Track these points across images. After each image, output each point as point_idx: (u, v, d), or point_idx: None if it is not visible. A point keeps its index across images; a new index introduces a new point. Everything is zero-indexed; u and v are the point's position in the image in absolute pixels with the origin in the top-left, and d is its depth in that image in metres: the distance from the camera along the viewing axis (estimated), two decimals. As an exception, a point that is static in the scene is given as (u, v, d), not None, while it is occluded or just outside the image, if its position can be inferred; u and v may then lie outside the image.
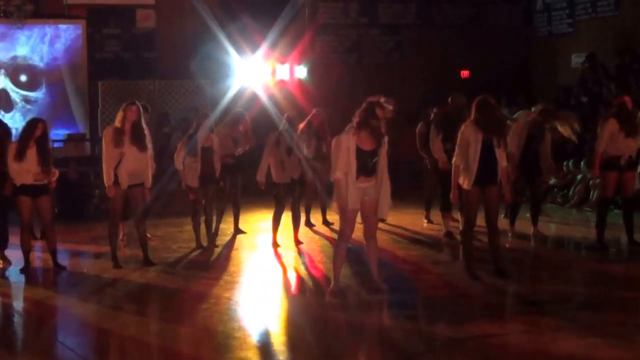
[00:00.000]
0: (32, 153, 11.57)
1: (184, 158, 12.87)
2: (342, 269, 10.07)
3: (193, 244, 13.31)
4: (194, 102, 20.37)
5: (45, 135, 11.78)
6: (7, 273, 11.89)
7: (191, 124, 13.60)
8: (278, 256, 12.72)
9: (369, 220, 9.92)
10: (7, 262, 12.28)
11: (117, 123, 11.72)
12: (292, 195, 13.41)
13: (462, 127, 10.47)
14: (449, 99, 13.73)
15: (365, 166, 9.60)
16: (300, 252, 12.89)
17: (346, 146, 9.54)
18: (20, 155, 11.55)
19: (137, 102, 11.92)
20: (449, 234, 13.62)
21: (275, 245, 13.31)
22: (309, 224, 15.11)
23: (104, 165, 11.71)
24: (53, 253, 11.93)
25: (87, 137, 20.67)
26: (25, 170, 11.59)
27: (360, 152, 9.54)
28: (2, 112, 19.88)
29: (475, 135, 10.27)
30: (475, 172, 10.26)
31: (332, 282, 9.98)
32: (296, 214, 13.55)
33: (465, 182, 10.35)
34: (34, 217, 11.98)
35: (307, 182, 13.76)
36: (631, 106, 12.29)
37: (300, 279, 11.24)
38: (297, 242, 13.44)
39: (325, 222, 15.35)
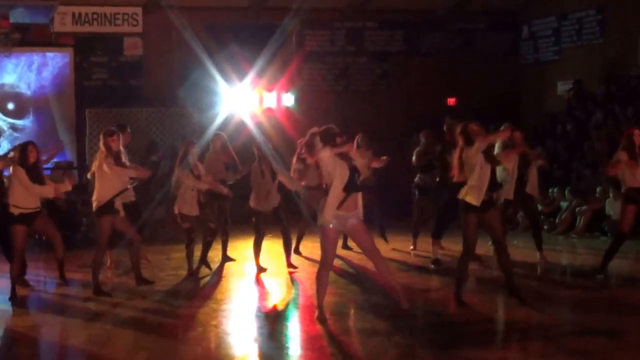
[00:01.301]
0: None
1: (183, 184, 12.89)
2: (325, 296, 10.03)
3: (181, 272, 13.27)
4: (181, 130, 20.36)
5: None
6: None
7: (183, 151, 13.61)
8: (266, 283, 12.69)
9: (360, 240, 10.00)
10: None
11: (105, 152, 11.76)
12: (279, 221, 13.41)
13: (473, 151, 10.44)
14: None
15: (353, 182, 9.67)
16: (291, 279, 12.87)
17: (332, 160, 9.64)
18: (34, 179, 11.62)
19: (115, 130, 11.95)
20: (436, 261, 13.61)
21: (260, 270, 13.29)
22: (297, 251, 15.13)
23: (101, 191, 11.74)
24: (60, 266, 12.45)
25: (74, 165, 20.62)
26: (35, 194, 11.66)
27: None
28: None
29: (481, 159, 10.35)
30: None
31: (317, 310, 9.98)
32: (287, 239, 13.56)
33: (473, 199, 10.40)
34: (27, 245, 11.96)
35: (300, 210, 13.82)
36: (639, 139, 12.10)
37: (288, 306, 11.23)
38: (291, 266, 13.43)
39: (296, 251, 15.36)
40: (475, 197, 10.30)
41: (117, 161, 11.70)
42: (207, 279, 13.04)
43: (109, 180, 11.69)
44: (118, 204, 11.82)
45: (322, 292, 9.96)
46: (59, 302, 11.75)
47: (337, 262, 13.09)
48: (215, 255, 14.38)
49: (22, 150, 11.80)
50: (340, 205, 9.65)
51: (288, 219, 13.68)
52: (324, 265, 9.94)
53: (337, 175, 9.59)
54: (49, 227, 12.26)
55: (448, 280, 11.73)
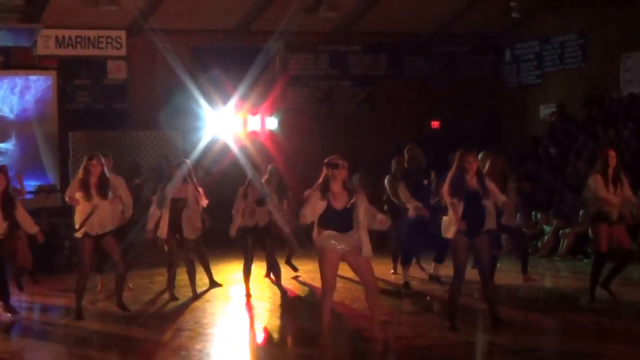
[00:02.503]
0: None
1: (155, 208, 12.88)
2: (330, 323, 9.82)
3: (165, 296, 13.22)
4: (165, 153, 20.35)
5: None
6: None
7: (167, 174, 13.57)
8: (252, 307, 12.65)
9: (360, 271, 9.79)
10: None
11: (81, 175, 11.70)
12: (262, 246, 13.40)
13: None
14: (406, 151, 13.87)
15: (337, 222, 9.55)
16: (281, 303, 12.82)
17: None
18: None
19: (96, 154, 11.89)
20: (406, 285, 13.62)
21: (248, 295, 13.25)
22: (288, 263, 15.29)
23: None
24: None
25: (57, 188, 20.56)
26: None
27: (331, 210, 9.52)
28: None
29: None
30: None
31: (322, 337, 9.81)
32: (274, 265, 13.50)
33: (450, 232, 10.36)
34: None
35: (282, 234, 13.81)
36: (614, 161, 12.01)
37: (270, 331, 11.19)
38: (283, 292, 13.32)
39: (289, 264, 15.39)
40: (451, 231, 10.28)
41: (83, 186, 11.60)
42: (193, 303, 12.98)
43: (84, 203, 11.65)
44: (99, 226, 11.71)
45: (325, 319, 9.72)
46: (42, 328, 11.63)
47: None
48: (199, 278, 14.32)
49: None
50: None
51: (274, 245, 13.61)
52: (323, 292, 9.78)
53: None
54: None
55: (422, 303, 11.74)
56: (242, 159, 17.63)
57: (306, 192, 9.69)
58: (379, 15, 21.96)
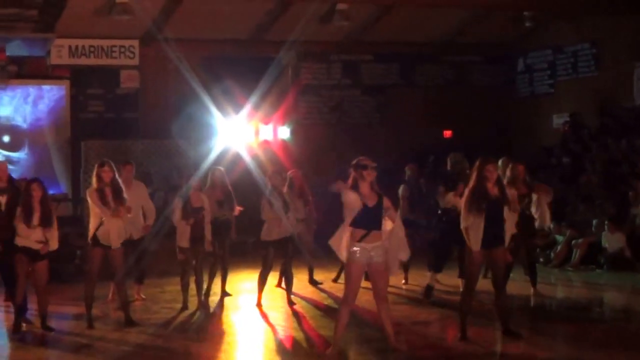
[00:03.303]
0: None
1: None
2: (342, 333, 9.86)
3: (175, 305, 13.23)
4: (176, 162, 20.36)
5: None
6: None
7: (178, 183, 13.59)
8: (263, 317, 12.63)
9: (378, 283, 9.78)
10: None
11: (95, 185, 11.72)
12: (283, 254, 13.36)
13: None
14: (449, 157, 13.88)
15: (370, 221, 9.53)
16: (292, 313, 12.81)
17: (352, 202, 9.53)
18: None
19: (107, 161, 11.89)
20: (430, 289, 13.58)
21: (259, 305, 13.24)
22: (313, 282, 15.28)
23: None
24: (43, 316, 11.76)
25: (69, 196, 20.62)
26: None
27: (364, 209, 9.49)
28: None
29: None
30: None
31: (332, 346, 9.87)
32: (288, 274, 13.46)
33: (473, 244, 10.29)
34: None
35: (303, 240, 13.80)
36: None
37: (280, 341, 11.18)
38: (290, 303, 13.29)
39: (313, 282, 15.37)
40: (474, 242, 10.24)
41: (100, 196, 11.63)
42: (202, 312, 12.99)
43: (96, 212, 11.68)
44: (114, 238, 11.74)
45: (341, 329, 9.74)
46: (50, 336, 11.61)
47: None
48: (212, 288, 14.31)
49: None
50: (362, 238, 9.55)
51: (292, 255, 13.57)
52: (344, 300, 9.80)
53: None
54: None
55: (443, 313, 11.72)
56: (254, 168, 17.65)
57: (337, 186, 9.70)
58: (391, 25, 21.95)
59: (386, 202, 9.63)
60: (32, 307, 12.35)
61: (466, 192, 10.43)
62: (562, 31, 22.95)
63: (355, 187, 9.52)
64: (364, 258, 9.53)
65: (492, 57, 24.58)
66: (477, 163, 10.40)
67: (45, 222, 11.51)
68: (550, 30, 23.15)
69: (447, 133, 23.66)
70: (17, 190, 12.15)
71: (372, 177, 9.57)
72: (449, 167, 13.90)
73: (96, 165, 11.86)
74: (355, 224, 9.49)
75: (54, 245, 11.72)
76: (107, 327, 11.88)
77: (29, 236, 11.46)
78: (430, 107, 23.47)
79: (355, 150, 21.83)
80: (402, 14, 21.44)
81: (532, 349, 10.08)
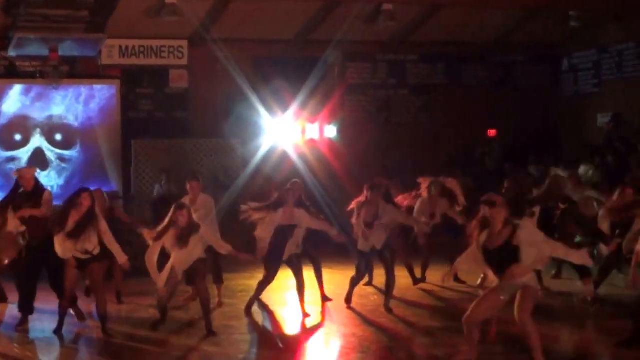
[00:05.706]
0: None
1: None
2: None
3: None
4: (225, 161, 20.61)
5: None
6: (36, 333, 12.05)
7: (271, 194, 13.44)
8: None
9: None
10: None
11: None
12: (384, 262, 13.26)
13: None
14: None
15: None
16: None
17: None
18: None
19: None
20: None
21: (326, 299, 13.58)
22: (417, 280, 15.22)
23: None
24: (102, 319, 11.77)
25: (120, 194, 20.93)
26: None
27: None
28: (39, 171, 20.14)
29: None
30: None
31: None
32: (390, 280, 13.22)
33: None
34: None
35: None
36: None
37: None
38: (388, 310, 13.04)
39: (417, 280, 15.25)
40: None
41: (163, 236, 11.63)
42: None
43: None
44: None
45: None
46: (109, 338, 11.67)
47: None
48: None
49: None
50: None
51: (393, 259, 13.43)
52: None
53: None
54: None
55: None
56: (302, 168, 17.82)
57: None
58: (436, 25, 22.08)
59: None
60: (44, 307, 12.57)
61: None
62: (607, 31, 22.94)
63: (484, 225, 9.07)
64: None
65: (537, 57, 24.61)
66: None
67: (74, 234, 11.34)
68: (595, 30, 23.16)
69: (492, 132, 23.74)
70: (40, 197, 12.36)
71: (503, 215, 8.98)
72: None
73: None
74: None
75: (121, 259, 11.78)
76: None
77: (66, 246, 11.38)
78: (475, 106, 23.56)
79: (401, 149, 22.18)
80: (448, 14, 21.58)
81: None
